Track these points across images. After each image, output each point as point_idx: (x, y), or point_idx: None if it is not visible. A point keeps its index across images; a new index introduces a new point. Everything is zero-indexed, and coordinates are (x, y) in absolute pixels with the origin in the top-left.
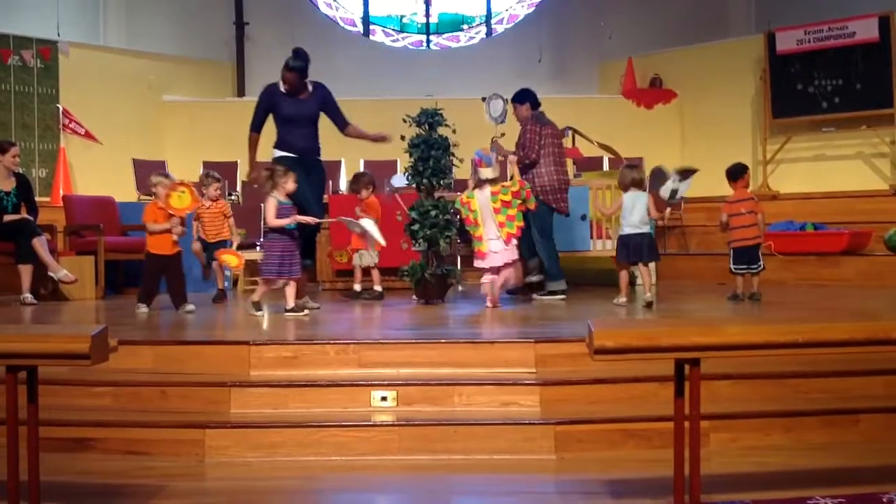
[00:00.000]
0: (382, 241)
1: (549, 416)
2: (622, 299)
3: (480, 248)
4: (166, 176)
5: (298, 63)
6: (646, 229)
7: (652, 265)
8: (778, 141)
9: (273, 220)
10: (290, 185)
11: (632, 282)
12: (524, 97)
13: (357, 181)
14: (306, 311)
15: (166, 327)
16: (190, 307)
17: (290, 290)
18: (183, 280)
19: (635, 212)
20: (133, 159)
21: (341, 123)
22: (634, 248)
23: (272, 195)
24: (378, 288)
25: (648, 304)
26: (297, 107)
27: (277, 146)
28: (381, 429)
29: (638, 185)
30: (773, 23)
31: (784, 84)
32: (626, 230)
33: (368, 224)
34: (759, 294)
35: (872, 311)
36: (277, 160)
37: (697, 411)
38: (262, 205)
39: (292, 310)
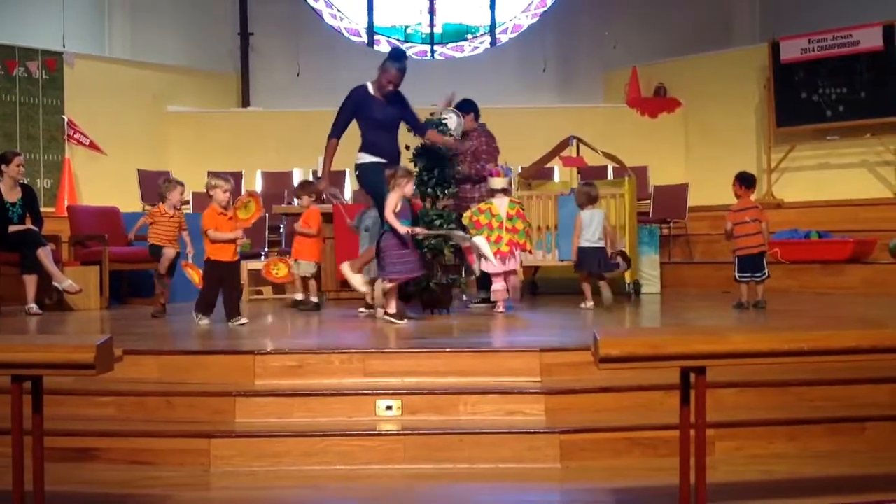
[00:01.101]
0: (493, 259)
1: (554, 424)
2: (588, 304)
3: (500, 249)
4: (225, 180)
5: (405, 63)
6: (601, 244)
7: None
8: (782, 149)
9: (391, 216)
10: (409, 188)
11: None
12: (470, 107)
13: (305, 188)
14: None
15: (171, 337)
16: (243, 320)
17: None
18: (240, 291)
19: (592, 227)
20: (138, 170)
21: (421, 127)
22: (590, 261)
23: (394, 192)
24: (314, 299)
25: (608, 308)
26: (385, 111)
27: (366, 150)
28: (386, 438)
29: (594, 202)
30: (777, 32)
31: (788, 93)
32: (584, 244)
33: (480, 241)
34: (764, 302)
35: (877, 319)
36: (370, 165)
37: (703, 420)
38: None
39: (394, 315)
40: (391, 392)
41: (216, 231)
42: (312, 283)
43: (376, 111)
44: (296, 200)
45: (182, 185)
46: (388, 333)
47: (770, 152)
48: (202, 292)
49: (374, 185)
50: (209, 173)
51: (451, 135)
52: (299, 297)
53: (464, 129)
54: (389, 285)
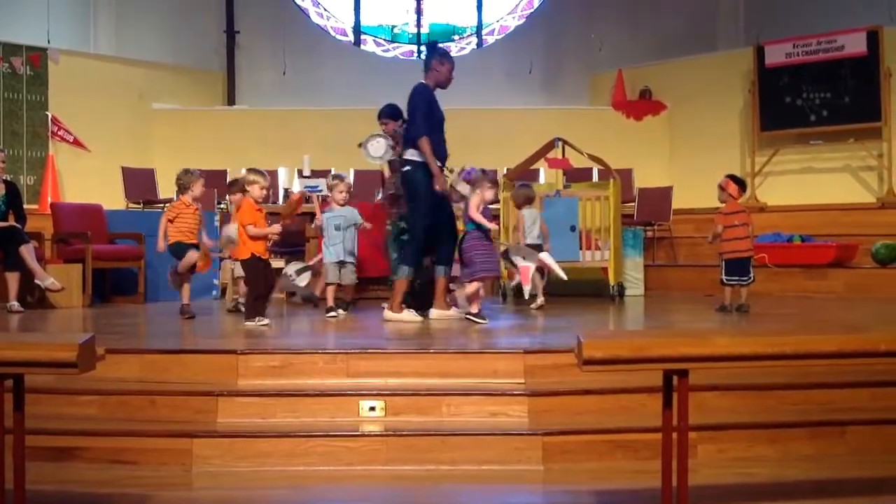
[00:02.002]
0: (560, 272)
1: (537, 426)
2: (540, 300)
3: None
4: (263, 176)
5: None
6: (541, 241)
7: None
8: (766, 153)
9: (475, 213)
10: (489, 194)
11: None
12: (399, 114)
13: (236, 185)
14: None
15: (154, 336)
16: (265, 321)
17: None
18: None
19: (535, 227)
20: (122, 167)
21: None
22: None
23: (476, 193)
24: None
25: (540, 307)
26: (441, 110)
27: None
28: (369, 439)
29: (531, 202)
30: (762, 36)
31: (772, 97)
32: (529, 242)
33: (546, 256)
34: (748, 305)
35: (860, 323)
36: (422, 165)
37: (686, 422)
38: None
39: (477, 315)
40: (375, 393)
41: (255, 227)
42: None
43: (437, 110)
44: (228, 198)
45: (203, 177)
46: (372, 334)
47: (754, 156)
48: (253, 291)
49: (421, 185)
50: (248, 169)
51: (376, 159)
52: (240, 298)
53: (391, 135)
54: (477, 285)
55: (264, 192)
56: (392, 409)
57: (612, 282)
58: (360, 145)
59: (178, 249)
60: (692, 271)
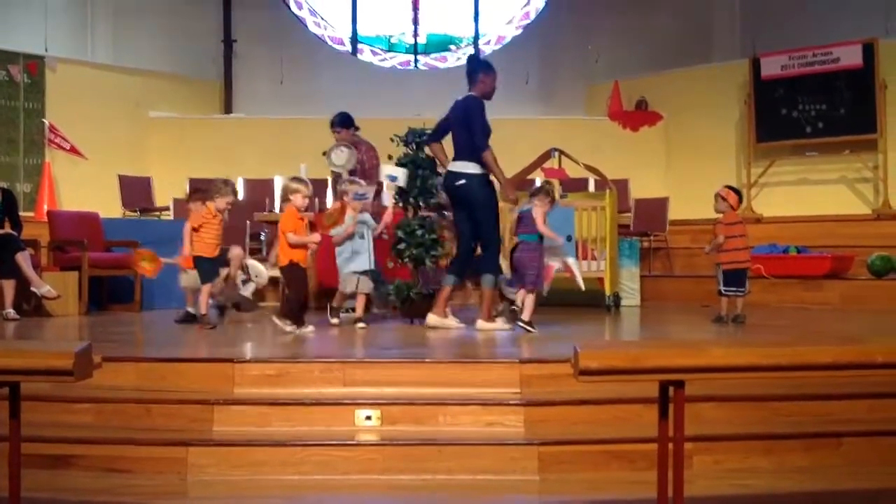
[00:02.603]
0: (581, 282)
1: (533, 436)
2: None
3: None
4: (306, 185)
5: None
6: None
7: None
8: (762, 164)
9: (547, 228)
10: (548, 207)
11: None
12: (351, 121)
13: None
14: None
15: (150, 344)
16: (310, 328)
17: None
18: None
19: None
20: (119, 175)
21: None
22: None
23: (538, 206)
24: (191, 309)
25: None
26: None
27: (478, 161)
28: (365, 448)
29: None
30: (758, 48)
31: (768, 108)
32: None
33: (574, 262)
34: (744, 316)
35: (855, 335)
36: (482, 178)
37: (681, 433)
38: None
39: (528, 323)
40: (371, 402)
41: (296, 235)
42: (205, 292)
43: (488, 122)
44: (191, 205)
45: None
46: (368, 343)
47: (750, 167)
48: (290, 300)
49: (489, 199)
50: (290, 178)
51: (339, 168)
52: (190, 309)
53: (351, 141)
54: (532, 295)
55: (306, 200)
56: (388, 419)
57: (608, 292)
58: (324, 154)
59: (206, 265)
60: (688, 282)
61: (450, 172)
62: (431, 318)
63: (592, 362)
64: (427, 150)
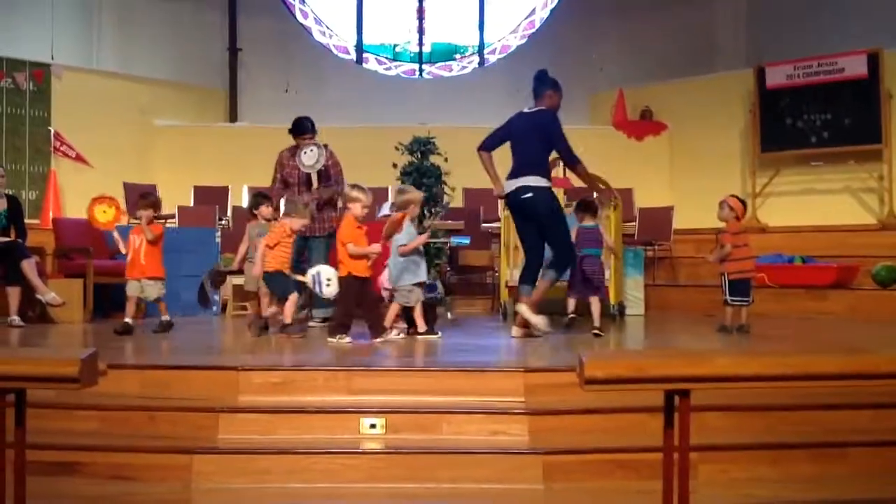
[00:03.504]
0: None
1: (537, 445)
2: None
3: None
4: (366, 194)
5: None
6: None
7: None
8: (767, 174)
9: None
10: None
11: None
12: (313, 126)
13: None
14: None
15: (154, 351)
16: (393, 334)
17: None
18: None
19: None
20: (124, 183)
21: None
22: None
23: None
24: (166, 317)
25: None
26: None
27: (547, 176)
28: (370, 456)
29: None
30: (762, 57)
31: (773, 118)
32: None
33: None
34: (748, 326)
35: (861, 345)
36: (549, 191)
37: (687, 443)
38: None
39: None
40: (375, 410)
41: (356, 246)
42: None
43: None
44: (142, 213)
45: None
46: (373, 351)
47: (754, 177)
48: (340, 310)
49: (557, 209)
50: (350, 185)
51: (310, 169)
52: (129, 320)
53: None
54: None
55: (366, 210)
56: (392, 427)
57: (612, 301)
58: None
59: (282, 282)
60: (692, 291)
61: (516, 187)
62: (522, 308)
63: (598, 371)
64: (483, 158)
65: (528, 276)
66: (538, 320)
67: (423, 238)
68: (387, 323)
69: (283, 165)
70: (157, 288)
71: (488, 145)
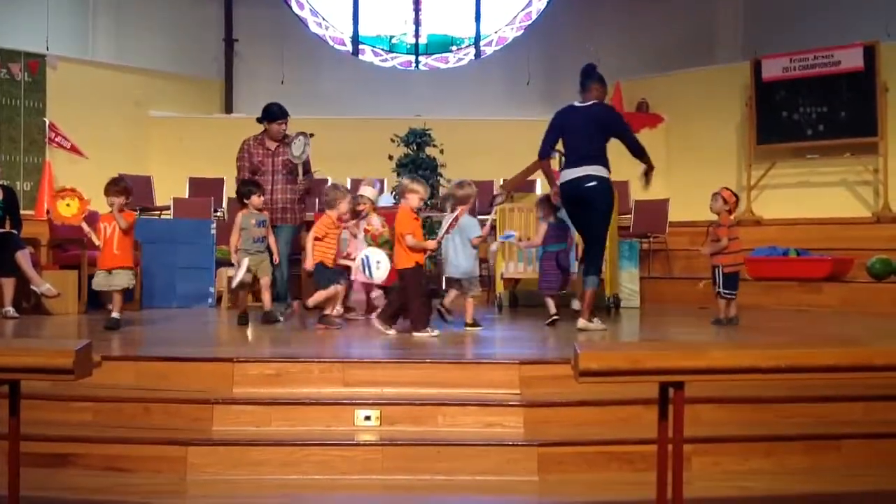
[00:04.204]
0: None
1: (532, 437)
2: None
3: None
4: (424, 186)
5: None
6: None
7: None
8: (762, 167)
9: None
10: None
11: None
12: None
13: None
14: None
15: (149, 343)
16: (434, 332)
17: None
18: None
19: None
20: (119, 174)
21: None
22: None
23: None
24: (116, 315)
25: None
26: None
27: (607, 167)
28: (365, 448)
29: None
30: (759, 50)
31: (769, 111)
32: None
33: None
34: (738, 318)
35: (855, 338)
36: (609, 182)
37: (681, 435)
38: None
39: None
40: (370, 402)
41: (415, 238)
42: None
43: None
44: (114, 200)
45: (349, 193)
46: (368, 343)
47: (750, 169)
48: (416, 302)
49: (611, 203)
50: (409, 177)
51: (297, 159)
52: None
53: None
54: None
55: (423, 202)
56: (387, 419)
57: (607, 293)
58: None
59: (326, 276)
60: (687, 283)
61: (579, 176)
62: (582, 323)
63: (593, 363)
64: (543, 167)
65: (593, 267)
66: (597, 325)
67: (431, 244)
68: (468, 318)
69: (252, 154)
70: (128, 277)
71: (546, 152)
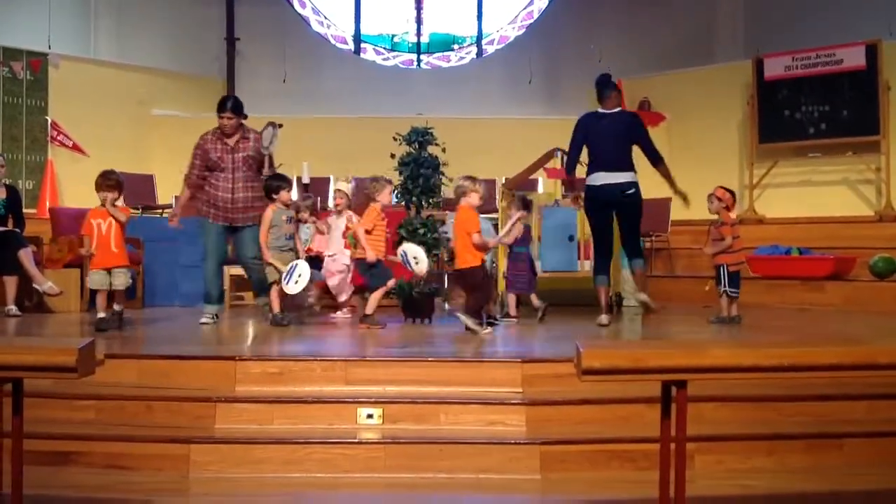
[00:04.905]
0: None
1: (534, 435)
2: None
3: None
4: (480, 184)
5: None
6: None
7: None
8: (765, 165)
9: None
10: None
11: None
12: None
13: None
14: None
15: (152, 341)
16: (487, 330)
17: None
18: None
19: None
20: (120, 173)
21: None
22: None
23: None
24: (119, 306)
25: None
26: None
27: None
28: (367, 446)
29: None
30: (761, 49)
31: (771, 109)
32: None
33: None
34: (740, 317)
35: (857, 336)
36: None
37: (683, 433)
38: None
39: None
40: (372, 400)
41: (481, 237)
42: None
43: None
44: (107, 195)
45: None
46: (370, 342)
47: (752, 168)
48: (480, 300)
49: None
50: (464, 177)
51: (267, 150)
52: (102, 314)
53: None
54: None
55: (482, 201)
56: (390, 417)
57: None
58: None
59: (382, 273)
60: (690, 282)
61: (619, 182)
62: (643, 297)
63: (596, 362)
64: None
65: (604, 267)
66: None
67: (492, 242)
68: (512, 312)
69: (209, 150)
70: (127, 276)
71: (573, 168)
